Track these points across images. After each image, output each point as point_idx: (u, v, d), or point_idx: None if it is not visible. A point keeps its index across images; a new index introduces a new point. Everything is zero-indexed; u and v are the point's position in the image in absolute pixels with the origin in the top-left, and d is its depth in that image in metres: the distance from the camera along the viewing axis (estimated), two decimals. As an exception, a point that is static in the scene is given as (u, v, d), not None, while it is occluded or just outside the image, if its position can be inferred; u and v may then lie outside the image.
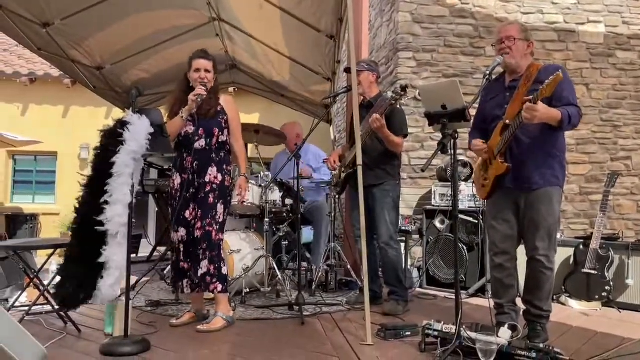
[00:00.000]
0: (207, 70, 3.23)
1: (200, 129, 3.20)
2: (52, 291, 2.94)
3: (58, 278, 2.83)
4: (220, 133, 3.26)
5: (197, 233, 3.16)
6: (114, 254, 2.69)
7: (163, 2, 4.57)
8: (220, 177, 3.20)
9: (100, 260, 2.68)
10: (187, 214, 3.21)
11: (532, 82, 2.70)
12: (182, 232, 3.21)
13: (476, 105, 3.04)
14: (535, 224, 2.78)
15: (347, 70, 3.88)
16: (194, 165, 3.21)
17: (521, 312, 2.96)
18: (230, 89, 8.30)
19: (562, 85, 2.69)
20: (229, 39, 5.47)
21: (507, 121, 2.73)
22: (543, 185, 2.77)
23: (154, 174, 6.77)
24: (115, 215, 2.67)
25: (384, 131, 3.55)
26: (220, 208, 3.19)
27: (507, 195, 2.87)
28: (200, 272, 3.13)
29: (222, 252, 3.20)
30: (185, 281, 3.25)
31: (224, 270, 3.19)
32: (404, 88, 3.43)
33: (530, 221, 2.80)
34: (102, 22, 4.57)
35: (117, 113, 6.43)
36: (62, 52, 4.79)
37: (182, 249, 3.22)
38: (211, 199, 3.16)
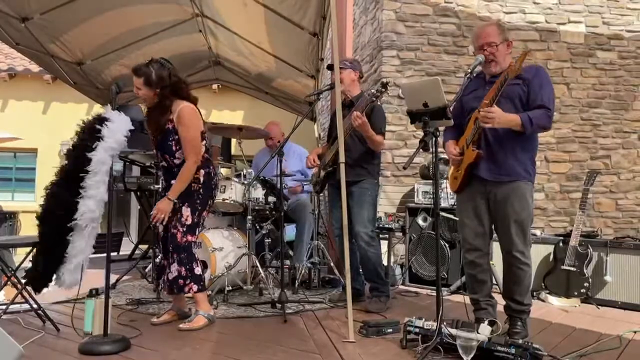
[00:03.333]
0: (137, 87, 3.08)
1: (158, 152, 3.18)
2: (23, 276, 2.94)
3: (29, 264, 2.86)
4: (172, 157, 3.12)
5: (168, 235, 3.15)
6: (76, 241, 2.69)
7: (145, -4, 4.52)
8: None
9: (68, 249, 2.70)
10: None
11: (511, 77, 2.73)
12: (160, 228, 3.21)
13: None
14: (509, 219, 2.80)
15: (330, 67, 3.88)
16: (164, 178, 3.26)
17: (500, 307, 2.99)
18: (214, 86, 8.26)
19: (541, 84, 2.75)
20: (212, 35, 5.43)
21: (481, 110, 2.75)
22: (515, 179, 2.79)
23: (136, 171, 6.70)
24: (87, 210, 2.65)
25: (366, 129, 3.54)
26: (185, 211, 3.08)
27: (478, 191, 2.89)
28: (171, 277, 3.10)
29: (193, 253, 3.12)
30: (163, 278, 3.24)
31: (197, 271, 3.12)
32: (385, 85, 3.44)
33: (503, 217, 2.82)
34: (82, 17, 4.50)
35: (99, 109, 6.35)
36: (41, 48, 4.71)
37: (161, 246, 3.23)
38: (177, 204, 3.10)
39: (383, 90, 3.43)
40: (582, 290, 3.91)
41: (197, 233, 3.18)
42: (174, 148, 3.10)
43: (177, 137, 3.08)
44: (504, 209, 2.81)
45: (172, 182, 3.13)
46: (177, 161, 3.12)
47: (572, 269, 3.94)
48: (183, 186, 3.06)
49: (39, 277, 2.84)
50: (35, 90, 9.42)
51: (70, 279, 2.74)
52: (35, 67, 8.79)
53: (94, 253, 2.82)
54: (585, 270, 3.92)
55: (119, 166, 6.04)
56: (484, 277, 2.97)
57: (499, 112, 2.66)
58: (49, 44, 4.73)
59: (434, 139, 2.71)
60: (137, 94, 3.10)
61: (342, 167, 3.13)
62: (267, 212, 4.37)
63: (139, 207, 7.58)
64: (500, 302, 3.06)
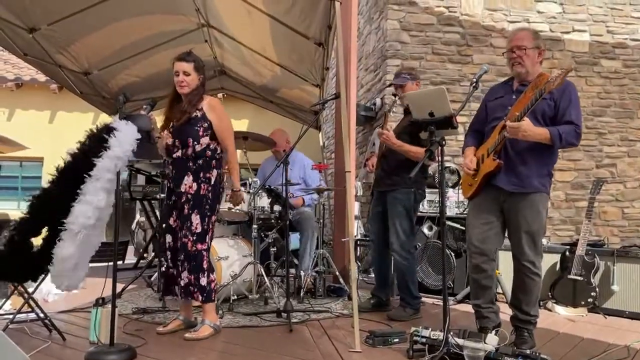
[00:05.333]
0: (185, 73, 3.12)
1: (176, 140, 3.15)
2: None
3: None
4: (196, 142, 3.13)
5: (178, 243, 3.15)
6: (66, 246, 2.65)
7: (151, 7, 4.55)
8: (195, 187, 3.12)
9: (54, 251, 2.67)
10: (171, 221, 3.21)
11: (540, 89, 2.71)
12: (168, 238, 3.21)
13: (463, 113, 3.06)
14: (521, 230, 2.79)
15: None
16: (173, 172, 3.19)
17: (505, 316, 2.98)
18: (219, 95, 8.29)
19: (570, 100, 2.74)
20: (217, 45, 5.47)
21: (508, 122, 2.73)
22: (531, 191, 2.79)
23: (141, 180, 6.73)
24: (82, 215, 2.63)
25: (393, 142, 3.55)
26: (195, 218, 3.10)
27: (492, 197, 2.87)
28: (183, 283, 3.13)
29: (202, 262, 3.12)
30: (176, 287, 3.22)
31: (202, 281, 3.11)
32: (395, 94, 3.49)
33: (515, 227, 2.82)
34: (89, 28, 4.54)
35: (105, 119, 6.39)
36: (48, 58, 4.75)
37: (169, 255, 3.21)
38: (186, 210, 3.11)
39: (394, 98, 3.49)
40: (589, 300, 3.88)
41: (207, 240, 3.16)
42: (200, 133, 3.13)
43: (205, 124, 3.14)
44: (517, 219, 2.81)
45: (186, 177, 3.11)
46: (198, 147, 3.14)
47: (578, 278, 3.92)
48: (238, 172, 3.33)
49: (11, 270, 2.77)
50: (41, 100, 9.49)
51: (58, 282, 2.70)
52: (41, 77, 8.86)
53: (97, 262, 2.82)
54: (592, 280, 3.90)
55: (124, 175, 6.06)
56: (488, 282, 2.95)
57: (529, 126, 2.63)
58: (56, 54, 4.77)
59: (439, 148, 2.71)
60: (183, 80, 3.12)
61: (348, 175, 3.14)
62: (273, 220, 4.37)
63: (144, 215, 7.59)
64: (505, 311, 3.04)
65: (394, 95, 3.66)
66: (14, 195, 9.83)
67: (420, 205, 4.84)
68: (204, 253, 3.14)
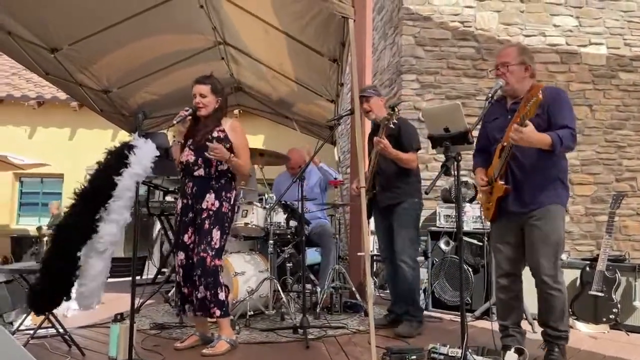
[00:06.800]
0: (202, 95, 3.20)
1: (200, 158, 3.19)
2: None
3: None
4: (219, 162, 3.19)
5: (194, 258, 3.16)
6: (94, 264, 2.72)
7: (169, 27, 4.65)
8: (217, 204, 3.17)
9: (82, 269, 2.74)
10: (185, 237, 3.23)
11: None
12: (181, 255, 3.22)
13: (479, 127, 3.05)
14: (539, 243, 2.76)
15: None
16: (194, 190, 3.22)
17: (531, 334, 2.93)
18: (236, 111, 8.38)
19: (560, 106, 2.74)
20: (234, 62, 5.55)
21: (505, 143, 2.74)
22: (545, 204, 2.76)
23: (159, 195, 6.79)
24: (108, 233, 2.71)
25: (389, 151, 3.60)
26: (215, 234, 3.15)
27: (510, 218, 2.86)
28: (199, 296, 3.14)
29: (219, 277, 3.16)
30: (187, 306, 3.24)
31: (221, 296, 3.14)
32: (392, 107, 3.53)
33: (533, 241, 2.79)
34: (109, 47, 4.64)
35: (124, 136, 6.50)
36: (69, 77, 4.86)
37: (182, 273, 3.22)
38: (207, 225, 3.15)
39: (392, 112, 3.52)
40: (610, 316, 3.81)
41: (222, 257, 3.24)
42: None
43: (227, 145, 3.20)
44: (534, 232, 2.78)
45: (208, 194, 3.17)
46: (221, 167, 3.21)
47: (599, 294, 3.85)
48: (239, 166, 3.22)
49: (37, 297, 2.84)
50: (62, 118, 9.69)
51: (86, 302, 2.77)
52: (62, 95, 9.05)
53: (117, 277, 2.87)
54: (613, 296, 3.82)
55: (142, 191, 6.13)
56: (515, 303, 2.93)
57: (529, 131, 2.59)
58: (77, 73, 4.87)
59: (455, 163, 2.70)
60: (200, 102, 3.20)
61: (363, 191, 3.14)
62: (289, 236, 4.38)
63: (162, 231, 7.65)
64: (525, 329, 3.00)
65: (392, 113, 3.65)
66: (34, 211, 10.00)
67: (437, 220, 4.84)
68: (220, 269, 3.20)
